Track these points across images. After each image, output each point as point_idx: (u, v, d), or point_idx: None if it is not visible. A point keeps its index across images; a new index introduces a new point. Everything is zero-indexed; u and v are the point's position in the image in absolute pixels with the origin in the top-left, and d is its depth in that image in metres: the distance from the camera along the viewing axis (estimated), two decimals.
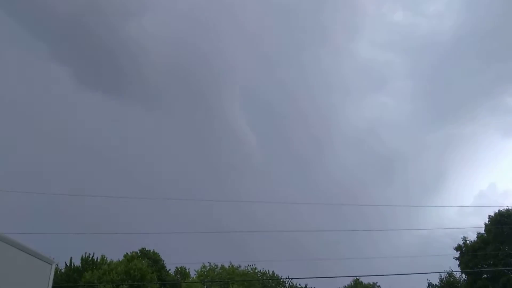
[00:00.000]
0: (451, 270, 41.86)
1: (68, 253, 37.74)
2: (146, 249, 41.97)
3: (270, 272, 48.63)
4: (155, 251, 42.25)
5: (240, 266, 44.26)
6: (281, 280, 47.82)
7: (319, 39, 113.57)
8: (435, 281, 44.28)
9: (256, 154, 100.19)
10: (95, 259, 36.96)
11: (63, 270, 36.23)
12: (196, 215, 66.52)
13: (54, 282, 32.81)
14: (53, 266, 9.46)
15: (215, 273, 42.47)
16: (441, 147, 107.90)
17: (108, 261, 37.19)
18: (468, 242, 40.77)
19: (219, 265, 43.45)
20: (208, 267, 43.09)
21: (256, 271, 47.25)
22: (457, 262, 40.64)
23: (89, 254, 37.04)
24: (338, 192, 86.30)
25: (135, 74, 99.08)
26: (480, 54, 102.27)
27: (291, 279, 47.71)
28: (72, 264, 36.22)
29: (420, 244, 64.42)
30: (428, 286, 44.69)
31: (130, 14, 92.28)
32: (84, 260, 36.36)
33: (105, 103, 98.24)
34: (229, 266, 43.11)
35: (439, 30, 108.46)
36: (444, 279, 42.69)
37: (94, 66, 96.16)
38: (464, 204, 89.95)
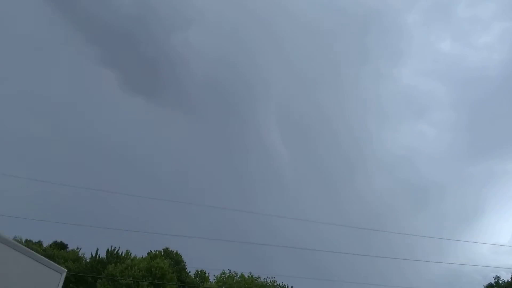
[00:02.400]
0: None
1: (95, 244, 39.20)
2: (170, 249, 42.82)
3: (289, 287, 48.04)
4: (178, 252, 43.01)
5: (259, 277, 44.05)
6: None
7: (361, 62, 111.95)
8: None
9: (287, 170, 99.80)
10: (120, 253, 38.03)
11: (88, 260, 37.63)
12: (221, 223, 67.13)
13: (79, 270, 34.13)
14: (63, 276, 10.05)
15: (234, 281, 42.46)
16: (481, 181, 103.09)
17: (132, 257, 38.18)
18: (500, 281, 38.67)
19: (239, 274, 43.46)
20: (228, 274, 43.18)
21: (275, 284, 46.82)
22: None
23: (115, 247, 38.20)
24: (366, 216, 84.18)
25: (176, 83, 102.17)
26: None
27: None
28: (98, 255, 37.47)
29: (448, 277, 61.58)
30: None
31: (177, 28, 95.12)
32: (109, 253, 37.52)
33: (145, 107, 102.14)
34: (248, 276, 42.99)
35: (488, 63, 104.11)
36: None
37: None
38: (499, 242, 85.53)
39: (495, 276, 39.25)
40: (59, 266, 10.79)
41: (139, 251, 40.94)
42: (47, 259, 10.72)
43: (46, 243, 44.25)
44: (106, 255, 37.26)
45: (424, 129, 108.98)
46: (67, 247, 44.58)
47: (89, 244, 42.42)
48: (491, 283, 39.15)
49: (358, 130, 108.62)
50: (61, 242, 47.43)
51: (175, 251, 42.86)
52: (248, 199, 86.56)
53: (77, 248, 41.10)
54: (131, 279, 32.68)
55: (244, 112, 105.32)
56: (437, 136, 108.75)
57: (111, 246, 38.14)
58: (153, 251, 41.47)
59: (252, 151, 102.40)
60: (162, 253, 41.88)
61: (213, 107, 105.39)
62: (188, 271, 42.96)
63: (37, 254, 10.00)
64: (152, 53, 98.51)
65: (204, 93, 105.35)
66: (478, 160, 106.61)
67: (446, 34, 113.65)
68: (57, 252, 37.18)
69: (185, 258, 43.14)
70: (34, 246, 36.25)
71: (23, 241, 37.26)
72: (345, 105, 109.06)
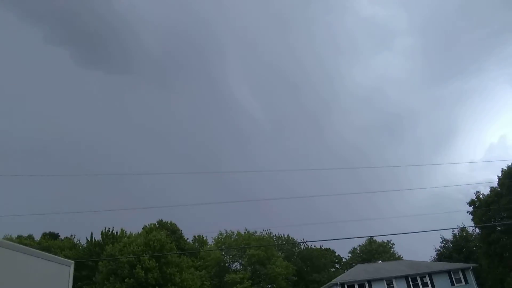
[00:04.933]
0: (463, 225, 42.17)
1: (89, 228, 38.78)
2: (164, 221, 42.95)
3: (285, 236, 49.61)
4: (172, 222, 43.24)
5: (256, 232, 45.19)
6: (297, 242, 48.79)
7: None
8: (449, 236, 44.87)
9: (268, 121, 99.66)
10: (115, 233, 37.84)
11: (85, 245, 37.32)
12: (211, 185, 67.45)
13: (78, 257, 33.88)
14: (71, 267, 9.71)
15: (232, 239, 43.40)
16: (450, 102, 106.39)
17: (128, 234, 38.09)
18: (481, 196, 40.62)
19: (235, 232, 44.39)
20: (225, 234, 44.04)
21: (272, 235, 48.22)
22: (471, 217, 40.78)
23: (109, 228, 37.94)
24: (350, 153, 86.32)
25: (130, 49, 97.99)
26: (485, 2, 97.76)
27: (306, 242, 48.68)
28: (93, 239, 37.19)
29: (432, 200, 65.02)
30: (442, 241, 45.28)
31: None
32: (105, 234, 37.27)
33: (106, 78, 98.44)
34: (245, 232, 43.99)
35: None
36: (457, 234, 43.13)
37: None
38: (475, 159, 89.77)
39: (475, 192, 41.26)
40: (66, 259, 10.43)
41: (134, 228, 40.97)
42: (52, 255, 10.33)
43: (36, 237, 43.50)
44: (101, 237, 37.00)
45: (390, 57, 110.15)
46: (59, 237, 44.01)
47: (80, 230, 42.03)
48: (472, 199, 41.08)
49: (327, 68, 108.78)
50: (50, 232, 46.74)
51: (169, 222, 43.04)
52: (234, 156, 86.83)
53: (71, 235, 40.66)
54: (132, 256, 32.77)
55: (211, 66, 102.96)
56: (403, 63, 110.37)
57: (105, 228, 37.85)
58: (147, 225, 41.50)
59: (224, 109, 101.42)
60: (157, 225, 41.98)
61: (176, 67, 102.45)
62: (186, 238, 43.49)
63: (41, 251, 9.58)
64: (98, 23, 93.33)
65: (163, 54, 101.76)
66: (447, 81, 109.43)
67: None
68: (51, 243, 36.67)
69: (180, 226, 43.54)
70: (26, 241, 35.55)
71: (14, 238, 36.48)
72: (311, 44, 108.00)
